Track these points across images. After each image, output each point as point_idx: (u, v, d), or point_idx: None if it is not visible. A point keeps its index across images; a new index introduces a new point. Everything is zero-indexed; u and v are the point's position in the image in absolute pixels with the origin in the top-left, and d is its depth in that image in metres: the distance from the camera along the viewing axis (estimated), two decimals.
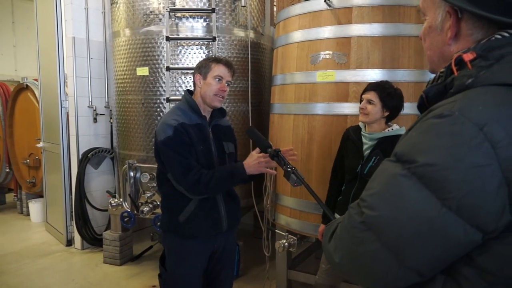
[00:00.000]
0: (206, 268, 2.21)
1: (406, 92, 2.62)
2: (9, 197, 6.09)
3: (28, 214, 5.34)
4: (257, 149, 1.96)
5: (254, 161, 1.93)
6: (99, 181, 4.28)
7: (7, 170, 5.50)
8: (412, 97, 2.64)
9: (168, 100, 3.20)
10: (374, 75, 2.61)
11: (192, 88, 2.15)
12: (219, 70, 2.01)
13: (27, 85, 5.06)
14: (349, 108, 2.66)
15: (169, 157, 1.93)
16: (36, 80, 4.86)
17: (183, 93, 3.29)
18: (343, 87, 2.68)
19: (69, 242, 4.31)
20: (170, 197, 2.09)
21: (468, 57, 0.79)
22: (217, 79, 2.01)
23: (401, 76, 2.62)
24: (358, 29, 2.64)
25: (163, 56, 3.30)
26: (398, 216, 0.74)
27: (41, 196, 5.06)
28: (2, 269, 3.70)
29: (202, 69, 2.05)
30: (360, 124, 2.30)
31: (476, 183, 0.68)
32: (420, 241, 0.72)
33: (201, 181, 1.90)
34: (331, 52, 2.70)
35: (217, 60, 2.04)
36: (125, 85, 3.54)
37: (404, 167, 0.75)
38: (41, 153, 4.81)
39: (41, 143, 4.72)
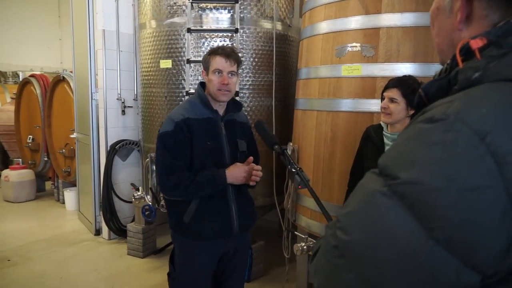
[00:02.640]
0: (216, 270, 2.12)
1: None
2: (48, 185, 6.34)
3: (64, 202, 5.52)
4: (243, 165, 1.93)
5: (237, 171, 1.88)
6: (126, 173, 4.32)
7: (46, 159, 5.70)
8: None
9: (187, 94, 3.13)
10: (404, 69, 2.39)
11: None
12: (216, 63, 1.89)
13: (63, 77, 5.19)
14: (376, 105, 2.44)
15: (159, 152, 1.91)
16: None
17: None
18: (370, 82, 2.48)
19: (98, 232, 4.39)
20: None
21: (476, 43, 0.62)
22: (217, 73, 1.89)
23: (435, 70, 2.37)
24: (388, 19, 2.42)
25: (186, 48, 3.23)
26: (373, 245, 0.58)
27: (76, 185, 5.20)
28: (30, 256, 3.81)
29: (204, 64, 1.95)
30: (382, 123, 2.11)
31: (473, 210, 0.52)
32: (400, 279, 0.56)
33: (180, 185, 1.85)
34: (358, 44, 2.51)
35: (214, 52, 1.91)
36: (150, 77, 3.51)
37: (385, 183, 0.59)
38: (75, 143, 4.93)
39: (74, 133, 4.83)
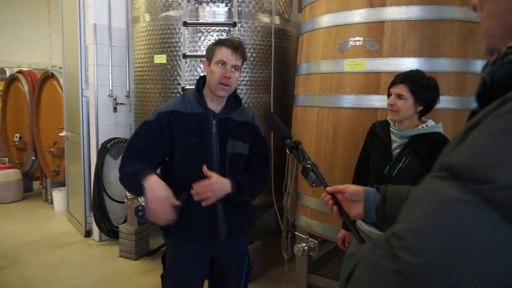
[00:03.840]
0: (210, 274, 2.02)
1: (446, 84, 2.32)
2: (36, 185, 6.16)
3: (52, 203, 5.36)
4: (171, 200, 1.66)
5: (158, 191, 1.63)
6: (118, 173, 4.18)
7: (33, 158, 5.53)
8: (453, 89, 2.33)
9: (183, 89, 3.02)
10: (409, 64, 2.31)
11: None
12: (221, 53, 1.76)
13: (52, 73, 5.03)
14: (380, 101, 2.38)
15: (130, 138, 1.86)
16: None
17: None
18: (374, 78, 2.40)
19: (88, 233, 4.25)
20: None
21: None
22: (220, 64, 1.76)
23: (442, 65, 2.31)
24: (393, 12, 2.34)
25: (182, 43, 3.12)
26: (456, 270, 0.46)
27: (65, 185, 5.05)
28: (19, 260, 3.66)
29: (207, 54, 1.83)
30: (389, 118, 2.02)
31: None
32: None
33: (122, 168, 1.76)
34: (361, 39, 2.43)
35: (220, 42, 1.79)
36: (143, 73, 3.39)
37: (466, 189, 0.48)
38: (64, 142, 4.78)
39: (64, 132, 4.68)
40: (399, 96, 1.88)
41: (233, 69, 1.78)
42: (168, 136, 1.78)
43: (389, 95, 1.96)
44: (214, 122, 1.82)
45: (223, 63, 1.76)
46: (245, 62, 1.96)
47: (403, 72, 1.95)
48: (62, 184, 5.24)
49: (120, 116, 4.18)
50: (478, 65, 2.38)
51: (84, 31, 4.05)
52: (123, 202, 3.89)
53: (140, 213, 3.37)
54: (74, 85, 4.26)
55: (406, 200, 1.12)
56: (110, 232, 4.03)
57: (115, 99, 4.09)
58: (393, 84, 1.93)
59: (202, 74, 3.05)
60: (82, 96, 4.12)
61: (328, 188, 1.27)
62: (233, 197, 1.78)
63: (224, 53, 1.76)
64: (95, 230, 4.14)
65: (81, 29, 4.06)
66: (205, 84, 1.87)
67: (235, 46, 1.77)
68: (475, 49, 2.38)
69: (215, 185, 1.69)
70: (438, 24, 2.30)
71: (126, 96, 4.16)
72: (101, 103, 4.04)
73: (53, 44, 9.69)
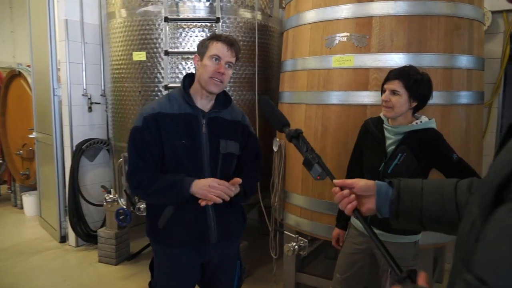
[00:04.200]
0: (201, 280, 1.94)
1: (434, 79, 2.27)
2: (4, 189, 5.84)
3: (22, 208, 5.10)
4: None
5: (205, 182, 1.65)
6: (94, 174, 4.02)
7: (0, 161, 5.25)
8: (440, 85, 2.34)
9: (166, 87, 2.91)
10: (398, 60, 2.31)
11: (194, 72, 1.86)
12: (216, 48, 1.69)
13: (19, 72, 4.78)
14: (369, 97, 2.37)
15: (128, 149, 1.74)
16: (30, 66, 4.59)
17: None
18: (362, 74, 2.38)
19: (63, 239, 4.06)
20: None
21: None
22: (214, 59, 1.68)
23: (429, 61, 2.32)
24: (381, 8, 2.33)
25: (162, 39, 3.00)
26: None
27: (36, 189, 4.81)
28: None
29: (200, 49, 1.74)
30: (382, 115, 2.00)
31: None
32: None
33: (142, 185, 1.69)
34: (349, 34, 2.40)
35: (216, 37, 1.72)
36: (121, 71, 3.25)
37: None
38: (34, 143, 4.55)
39: (34, 133, 4.45)
40: (394, 92, 1.86)
41: (227, 65, 1.71)
42: (157, 139, 1.70)
43: (382, 91, 1.94)
44: (204, 122, 1.74)
45: (217, 58, 1.68)
46: (238, 61, 1.88)
47: (397, 68, 1.94)
48: (32, 188, 5.00)
49: (95, 116, 4.01)
50: (464, 60, 2.41)
51: (54, 27, 3.85)
52: (101, 205, 3.74)
53: (121, 217, 3.23)
54: (44, 84, 4.04)
55: (419, 195, 1.09)
56: (88, 236, 3.87)
57: (89, 98, 3.91)
58: (387, 80, 1.92)
59: (184, 72, 2.99)
60: (54, 95, 3.92)
61: (335, 181, 1.20)
62: (237, 199, 1.74)
63: (220, 48, 1.68)
64: (71, 235, 3.96)
65: (51, 25, 3.85)
66: (192, 82, 1.79)
67: (231, 42, 1.70)
68: (461, 44, 2.40)
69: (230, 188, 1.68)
70: (426, 19, 2.31)
71: (101, 95, 3.98)
72: (75, 102, 3.86)
73: (17, 41, 9.24)
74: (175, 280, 1.84)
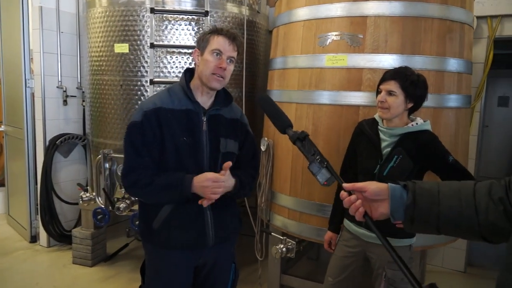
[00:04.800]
0: (193, 284, 1.86)
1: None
2: None
3: None
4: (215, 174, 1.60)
5: (204, 179, 1.57)
6: (69, 171, 3.84)
7: None
8: (432, 87, 2.33)
9: (152, 82, 2.79)
10: (392, 61, 2.29)
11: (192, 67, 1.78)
12: (218, 42, 1.61)
13: None
14: (362, 97, 2.33)
15: (125, 145, 1.66)
16: None
17: (167, 74, 2.91)
18: (355, 74, 2.35)
19: (34, 239, 3.86)
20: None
21: None
22: (215, 54, 1.61)
23: (422, 63, 2.31)
24: (376, 7, 2.30)
25: (146, 31, 2.87)
26: None
27: (3, 185, 4.55)
28: None
29: (200, 43, 1.65)
30: (376, 116, 1.97)
31: None
32: None
33: (138, 184, 1.61)
34: (343, 33, 2.36)
35: (217, 31, 1.64)
36: (101, 63, 3.09)
37: None
38: (3, 137, 4.30)
39: (2, 126, 4.21)
40: (390, 93, 1.83)
41: (228, 60, 1.63)
42: (157, 135, 1.61)
43: (378, 92, 1.91)
44: (205, 119, 1.67)
45: (219, 53, 1.60)
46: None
47: (393, 69, 1.92)
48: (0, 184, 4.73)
49: (71, 110, 3.82)
50: (455, 64, 2.42)
51: (28, 14, 3.63)
52: (76, 204, 3.57)
53: (99, 216, 3.08)
54: (15, 74, 3.81)
55: (437, 200, 1.05)
56: (61, 236, 3.69)
57: (65, 91, 3.72)
58: (383, 80, 1.89)
59: (169, 66, 2.88)
60: (25, 87, 3.70)
61: (345, 185, 1.15)
62: (233, 194, 1.68)
63: (221, 42, 1.60)
64: (43, 234, 3.76)
65: (24, 12, 3.64)
66: (193, 77, 1.70)
67: (233, 36, 1.63)
68: (453, 47, 2.40)
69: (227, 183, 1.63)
70: (420, 21, 2.30)
71: (77, 88, 3.80)
72: (49, 95, 3.66)
73: None
74: (168, 283, 1.75)
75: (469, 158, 2.91)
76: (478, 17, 3.21)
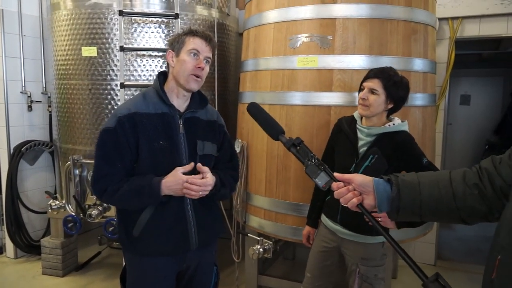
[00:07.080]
0: None
1: None
2: None
3: None
4: (184, 167, 1.59)
5: (176, 180, 1.55)
6: (35, 179, 3.71)
7: None
8: None
9: (123, 85, 2.74)
10: (361, 61, 2.35)
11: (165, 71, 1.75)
12: (194, 43, 1.60)
13: None
14: (333, 98, 2.39)
15: (96, 151, 1.63)
16: None
17: (138, 78, 2.87)
18: (326, 75, 2.40)
19: (0, 250, 3.69)
20: None
21: None
22: (192, 54, 1.60)
23: (389, 63, 2.34)
24: (344, 10, 2.36)
25: (115, 34, 2.82)
26: None
27: None
28: None
29: (175, 44, 1.64)
30: (355, 115, 2.01)
31: None
32: None
33: (107, 191, 1.58)
34: (313, 35, 2.40)
35: (192, 32, 1.63)
36: (68, 67, 3.01)
37: None
38: None
39: None
40: (372, 91, 1.85)
41: (205, 61, 1.63)
42: (132, 141, 1.58)
43: (361, 89, 1.93)
44: (181, 122, 1.65)
45: (196, 53, 1.60)
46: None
47: (378, 67, 1.93)
48: None
49: (36, 116, 3.70)
50: (420, 64, 2.51)
51: None
52: (44, 213, 3.46)
53: (70, 225, 2.99)
54: None
55: (418, 190, 1.11)
56: (29, 247, 3.56)
57: (29, 96, 3.60)
58: (367, 78, 1.90)
59: (140, 70, 2.84)
60: None
61: (336, 175, 1.22)
62: (214, 193, 1.66)
63: (198, 43, 1.60)
64: (9, 245, 3.61)
65: None
66: (166, 80, 1.69)
67: (209, 37, 1.63)
68: (417, 48, 2.50)
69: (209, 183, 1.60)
70: (386, 23, 2.37)
71: (42, 93, 3.69)
72: (12, 100, 3.53)
73: None
74: None
75: (436, 154, 3.02)
76: (440, 19, 3.34)
